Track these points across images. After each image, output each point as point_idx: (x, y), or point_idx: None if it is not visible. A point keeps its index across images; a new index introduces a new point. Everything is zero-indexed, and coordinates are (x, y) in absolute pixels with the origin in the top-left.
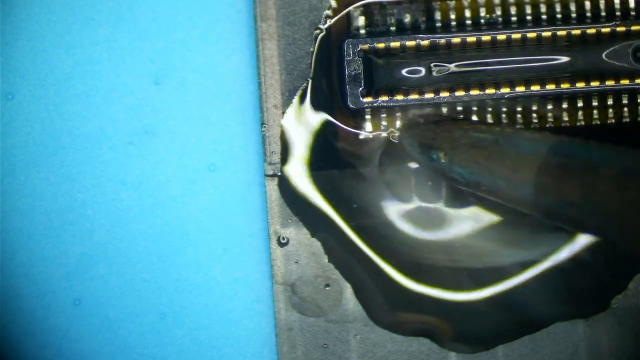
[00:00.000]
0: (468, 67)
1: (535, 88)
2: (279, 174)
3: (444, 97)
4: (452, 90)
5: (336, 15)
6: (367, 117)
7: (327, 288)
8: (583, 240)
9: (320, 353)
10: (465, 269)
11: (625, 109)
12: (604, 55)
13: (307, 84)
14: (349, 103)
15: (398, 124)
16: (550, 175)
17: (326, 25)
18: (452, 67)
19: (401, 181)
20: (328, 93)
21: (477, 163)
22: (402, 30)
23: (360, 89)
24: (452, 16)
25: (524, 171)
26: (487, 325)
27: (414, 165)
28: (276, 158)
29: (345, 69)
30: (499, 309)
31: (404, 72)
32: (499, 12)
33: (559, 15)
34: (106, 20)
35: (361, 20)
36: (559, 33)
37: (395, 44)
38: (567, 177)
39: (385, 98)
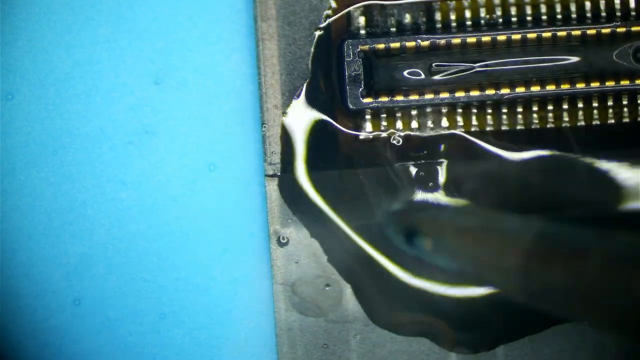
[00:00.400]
0: (468, 67)
1: (535, 89)
2: (279, 174)
3: (444, 98)
4: (452, 90)
5: (336, 15)
6: (367, 117)
7: (327, 288)
8: None
9: (320, 353)
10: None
11: (625, 109)
12: (607, 56)
13: (307, 84)
14: (349, 104)
15: (398, 124)
16: (536, 261)
17: (324, 24)
18: (452, 67)
19: (400, 181)
20: (328, 94)
21: (462, 250)
22: (402, 31)
23: (361, 89)
24: (452, 17)
25: (510, 257)
26: (487, 326)
27: (413, 167)
28: (276, 158)
29: (345, 69)
30: (499, 309)
31: (404, 72)
32: (499, 13)
33: (559, 16)
34: (106, 20)
35: (361, 21)
36: (559, 34)
37: (395, 45)
38: (553, 263)
39: (386, 99)
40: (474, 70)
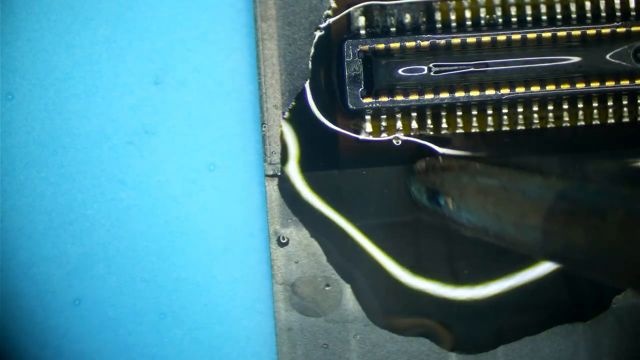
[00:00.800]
0: (468, 67)
1: (535, 89)
2: (279, 174)
3: (444, 98)
4: (451, 90)
5: (336, 16)
6: (368, 117)
7: (327, 288)
8: None
9: (320, 353)
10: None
11: (625, 109)
12: (608, 56)
13: (307, 84)
14: (349, 104)
15: (398, 124)
16: (557, 221)
17: (325, 24)
18: (452, 67)
19: (400, 180)
20: (327, 94)
21: (484, 209)
22: (402, 31)
23: (360, 89)
24: (452, 17)
25: (531, 217)
26: (487, 326)
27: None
28: (276, 158)
29: (345, 69)
30: (499, 309)
31: (404, 72)
32: (499, 13)
33: (559, 16)
34: (106, 20)
35: (361, 21)
36: (559, 34)
37: (395, 45)
38: (573, 223)
39: (386, 99)
40: (474, 70)
